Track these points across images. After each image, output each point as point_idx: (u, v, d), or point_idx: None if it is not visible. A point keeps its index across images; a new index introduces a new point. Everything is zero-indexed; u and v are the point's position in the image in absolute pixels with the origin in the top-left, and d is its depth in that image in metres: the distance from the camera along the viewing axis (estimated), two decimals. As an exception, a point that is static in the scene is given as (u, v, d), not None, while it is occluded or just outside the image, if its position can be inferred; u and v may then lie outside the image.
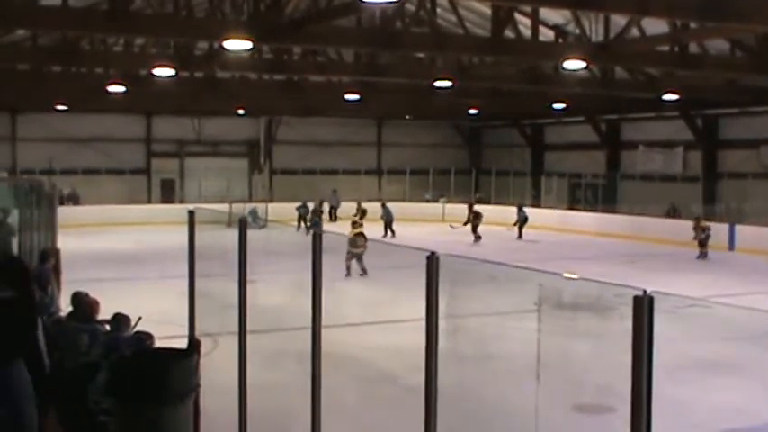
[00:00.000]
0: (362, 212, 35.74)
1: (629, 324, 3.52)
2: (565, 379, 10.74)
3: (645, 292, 3.47)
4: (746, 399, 11.63)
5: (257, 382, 8.35)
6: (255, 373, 8.37)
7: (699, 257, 28.36)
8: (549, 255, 27.94)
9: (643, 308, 3.46)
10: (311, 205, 37.13)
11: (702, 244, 28.71)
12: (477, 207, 35.47)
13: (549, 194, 43.93)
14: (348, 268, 22.58)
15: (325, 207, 40.29)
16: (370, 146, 50.28)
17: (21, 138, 42.18)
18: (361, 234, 23.13)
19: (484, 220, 34.43)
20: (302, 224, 35.89)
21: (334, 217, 40.96)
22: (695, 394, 11.85)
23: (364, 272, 22.86)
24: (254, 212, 38.07)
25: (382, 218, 35.36)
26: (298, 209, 37.26)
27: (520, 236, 35.00)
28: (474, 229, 33.65)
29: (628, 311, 3.56)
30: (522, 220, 35.48)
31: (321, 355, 6.64)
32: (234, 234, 8.04)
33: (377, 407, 11.16)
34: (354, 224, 23.93)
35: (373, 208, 36.92)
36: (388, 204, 36.57)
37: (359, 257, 22.91)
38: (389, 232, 34.85)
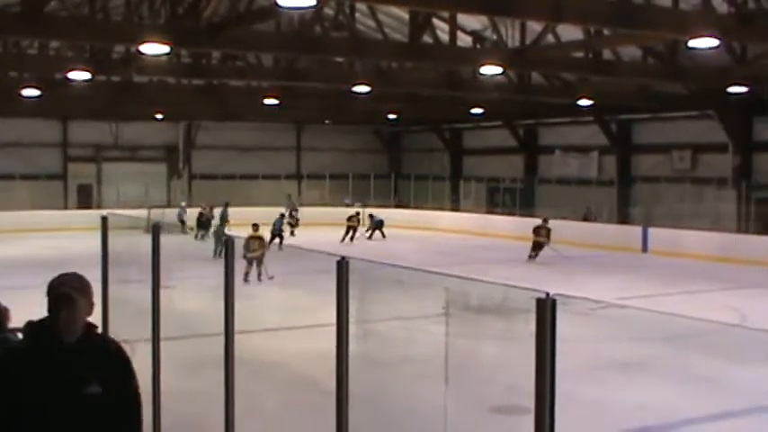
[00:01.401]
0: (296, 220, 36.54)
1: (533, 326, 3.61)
2: (475, 381, 10.88)
3: (547, 294, 3.57)
4: (660, 397, 11.89)
5: (173, 389, 8.30)
6: (171, 380, 8.32)
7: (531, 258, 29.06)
8: (466, 259, 28.20)
9: (546, 310, 3.55)
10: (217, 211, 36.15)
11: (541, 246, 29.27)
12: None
13: (467, 198, 44.32)
14: (246, 274, 21.82)
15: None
16: (289, 150, 50.16)
17: (-69, 142, 41.18)
18: (257, 237, 22.83)
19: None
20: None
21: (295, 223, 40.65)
22: (610, 394, 12.08)
23: (266, 275, 22.33)
24: (182, 211, 37.88)
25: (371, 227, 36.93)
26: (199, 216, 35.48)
27: (370, 237, 36.97)
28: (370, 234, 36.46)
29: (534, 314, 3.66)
30: (375, 225, 37.46)
31: (235, 360, 6.64)
32: (150, 240, 7.99)
33: (294, 412, 11.17)
34: (254, 226, 23.64)
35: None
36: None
37: (258, 262, 22.48)
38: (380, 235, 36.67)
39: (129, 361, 4.47)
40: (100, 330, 4.76)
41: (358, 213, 36.73)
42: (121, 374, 4.31)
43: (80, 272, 4.41)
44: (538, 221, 30.75)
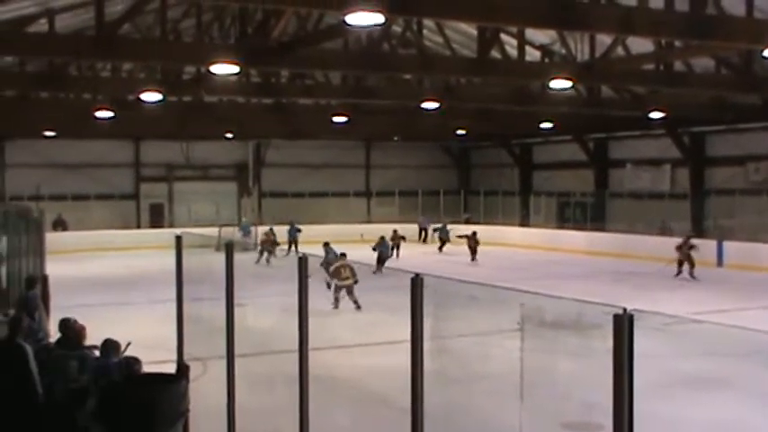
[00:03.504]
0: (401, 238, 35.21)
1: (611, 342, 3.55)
2: (550, 397, 10.75)
3: (625, 310, 3.50)
4: (736, 415, 11.66)
5: (246, 406, 8.35)
6: (245, 397, 8.37)
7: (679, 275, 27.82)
8: (537, 274, 27.96)
9: (623, 326, 3.49)
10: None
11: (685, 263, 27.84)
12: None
13: (537, 214, 44.04)
14: (336, 300, 20.65)
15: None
16: (358, 168, 50.33)
17: (9, 164, 42.12)
18: (347, 265, 21.00)
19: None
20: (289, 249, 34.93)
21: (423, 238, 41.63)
22: (686, 411, 11.87)
23: (357, 305, 20.78)
24: (246, 227, 38.26)
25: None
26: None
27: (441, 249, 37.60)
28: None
29: (611, 330, 3.59)
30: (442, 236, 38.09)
31: (309, 377, 6.65)
32: (223, 258, 8.06)
33: (368, 428, 11.15)
34: (342, 255, 22.25)
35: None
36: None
37: (348, 291, 20.87)
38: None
39: None
40: (174, 348, 4.80)
41: (396, 231, 35.50)
42: None
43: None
44: (607, 235, 30.38)
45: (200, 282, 9.72)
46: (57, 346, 9.49)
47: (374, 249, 29.40)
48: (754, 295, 23.31)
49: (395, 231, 35.14)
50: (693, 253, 27.64)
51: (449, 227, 38.92)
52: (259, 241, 33.81)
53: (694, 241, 28.34)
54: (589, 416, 10.03)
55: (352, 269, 20.94)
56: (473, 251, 33.82)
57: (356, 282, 21.00)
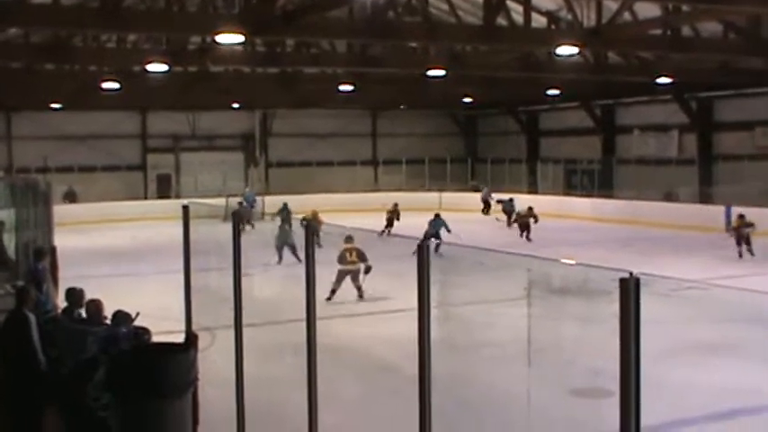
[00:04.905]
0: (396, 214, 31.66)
1: (617, 307, 3.54)
2: (557, 363, 10.78)
3: (631, 274, 3.49)
4: (747, 380, 11.66)
5: (255, 375, 8.39)
6: (253, 366, 8.40)
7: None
8: (545, 241, 27.94)
9: (630, 289, 3.48)
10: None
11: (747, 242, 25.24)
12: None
13: (545, 181, 43.93)
14: (332, 292, 17.80)
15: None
16: (365, 137, 50.28)
17: (16, 136, 42.17)
18: (354, 249, 18.41)
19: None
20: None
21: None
22: (696, 376, 11.89)
23: (360, 293, 18.35)
24: (249, 197, 38.09)
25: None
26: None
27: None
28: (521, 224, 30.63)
29: (617, 295, 3.59)
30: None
31: (317, 346, 6.67)
32: (230, 228, 8.06)
33: (375, 397, 11.20)
34: (348, 238, 18.70)
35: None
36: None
37: (354, 276, 18.33)
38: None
39: None
40: (183, 318, 4.81)
41: (396, 205, 32.34)
42: None
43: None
44: (615, 202, 30.08)
45: (206, 252, 9.74)
46: (63, 316, 9.53)
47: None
48: (761, 261, 23.27)
49: (395, 205, 32.41)
50: (750, 230, 25.32)
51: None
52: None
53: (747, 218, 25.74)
54: (596, 382, 10.05)
55: (360, 253, 18.34)
56: (526, 228, 29.92)
57: (368, 269, 18.33)
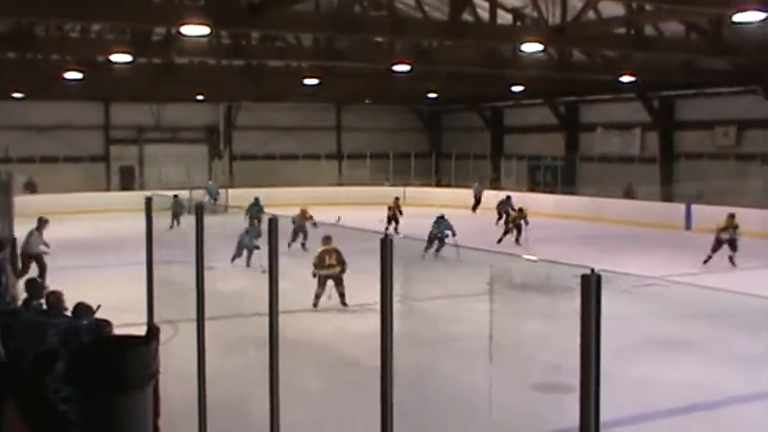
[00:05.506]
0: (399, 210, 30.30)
1: (579, 303, 3.58)
2: (519, 358, 10.85)
3: (592, 270, 3.53)
4: (705, 376, 11.81)
5: (217, 369, 8.37)
6: (216, 360, 8.38)
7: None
8: (508, 237, 28.01)
9: (591, 286, 3.51)
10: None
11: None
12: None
13: (508, 177, 44.13)
14: (317, 297, 16.76)
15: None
16: (329, 130, 50.19)
17: (-24, 126, 41.67)
18: (333, 250, 16.86)
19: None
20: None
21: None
22: (655, 372, 12.00)
23: (342, 300, 16.78)
24: (212, 189, 37.87)
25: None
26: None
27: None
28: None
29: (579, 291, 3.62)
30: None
31: (279, 340, 6.67)
32: (194, 220, 8.03)
33: (338, 391, 11.22)
34: (326, 239, 17.27)
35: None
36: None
37: (336, 281, 16.87)
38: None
39: None
40: (145, 311, 4.79)
41: (397, 199, 31.55)
42: None
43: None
44: (578, 199, 30.06)
45: (170, 244, 9.70)
46: (23, 308, 9.45)
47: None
48: (720, 258, 23.51)
49: (396, 200, 31.13)
50: (738, 235, 22.78)
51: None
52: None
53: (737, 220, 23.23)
54: (557, 377, 10.12)
55: (338, 254, 16.85)
56: (518, 230, 27.51)
57: (343, 270, 16.86)
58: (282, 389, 6.76)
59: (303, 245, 22.79)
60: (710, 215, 25.85)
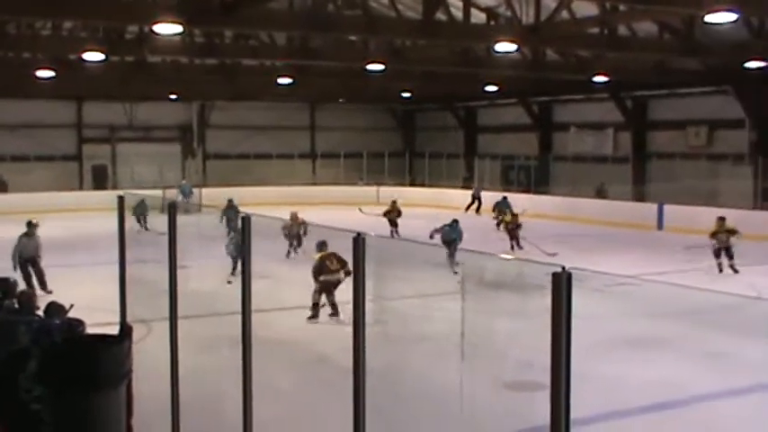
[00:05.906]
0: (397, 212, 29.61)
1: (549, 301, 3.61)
2: (490, 357, 10.89)
3: (563, 268, 3.56)
4: (676, 374, 11.89)
5: (191, 368, 8.36)
6: (189, 359, 8.37)
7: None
8: (481, 236, 28.09)
9: (561, 284, 3.54)
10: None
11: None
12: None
13: (482, 176, 44.23)
14: (315, 306, 15.52)
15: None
16: (303, 130, 50.13)
17: (-53, 124, 41.32)
18: (333, 255, 15.41)
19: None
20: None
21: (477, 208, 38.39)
22: (626, 370, 12.07)
23: (334, 311, 15.30)
24: (185, 188, 37.71)
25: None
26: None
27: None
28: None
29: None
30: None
31: (253, 339, 6.67)
32: (166, 219, 8.01)
33: (311, 389, 11.21)
34: (323, 244, 15.95)
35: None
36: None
37: (333, 288, 15.36)
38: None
39: None
40: (118, 310, 4.79)
41: (395, 202, 30.32)
42: None
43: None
44: (551, 198, 30.13)
45: (143, 243, 9.67)
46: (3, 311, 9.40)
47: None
48: (692, 257, 23.68)
49: (393, 203, 30.31)
50: (734, 239, 21.17)
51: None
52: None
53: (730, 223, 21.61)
54: (529, 375, 10.17)
55: (340, 259, 15.24)
56: (514, 235, 26.25)
57: (348, 274, 14.42)
58: (256, 387, 6.77)
59: (296, 251, 22.76)
60: (682, 215, 26.06)
